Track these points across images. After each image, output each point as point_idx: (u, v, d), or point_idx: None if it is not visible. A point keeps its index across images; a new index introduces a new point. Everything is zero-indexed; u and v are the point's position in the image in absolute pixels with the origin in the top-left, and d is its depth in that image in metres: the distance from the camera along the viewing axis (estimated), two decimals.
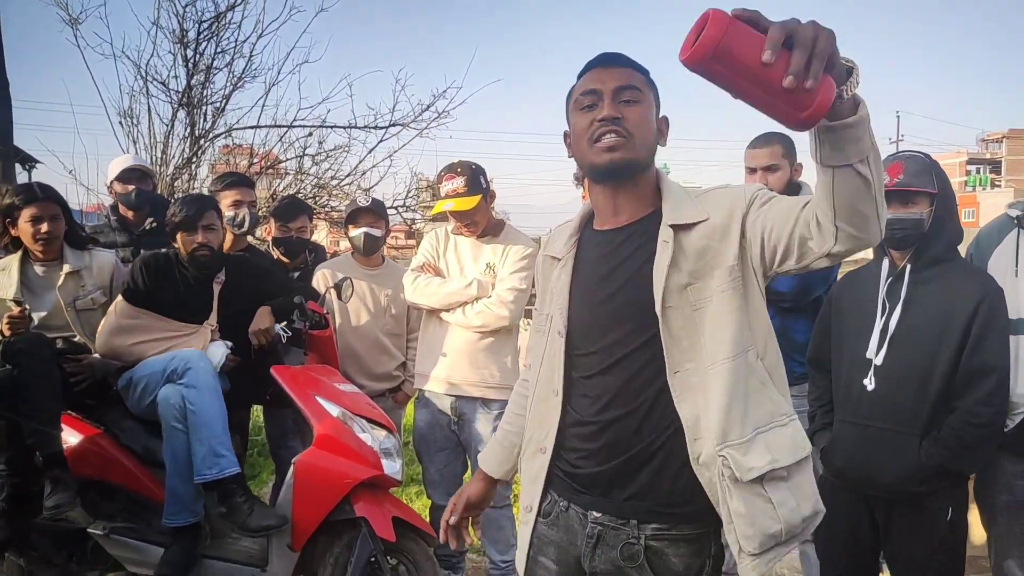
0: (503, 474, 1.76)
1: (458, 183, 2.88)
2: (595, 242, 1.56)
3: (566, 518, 1.53)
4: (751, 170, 2.88)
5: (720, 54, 0.96)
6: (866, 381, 2.13)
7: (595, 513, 1.48)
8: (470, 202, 2.86)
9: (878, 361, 2.12)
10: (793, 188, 2.88)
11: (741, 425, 1.38)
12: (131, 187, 3.48)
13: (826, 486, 2.27)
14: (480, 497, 1.75)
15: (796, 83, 0.95)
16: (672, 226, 1.44)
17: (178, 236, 2.87)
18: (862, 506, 2.16)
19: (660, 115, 1.52)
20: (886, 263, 2.19)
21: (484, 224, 2.95)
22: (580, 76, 1.51)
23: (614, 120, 1.41)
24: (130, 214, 3.54)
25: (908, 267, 2.13)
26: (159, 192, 4.62)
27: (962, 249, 2.24)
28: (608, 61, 1.49)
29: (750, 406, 1.39)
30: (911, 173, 2.10)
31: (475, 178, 2.89)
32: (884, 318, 2.14)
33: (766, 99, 1.00)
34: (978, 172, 55.32)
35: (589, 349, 1.50)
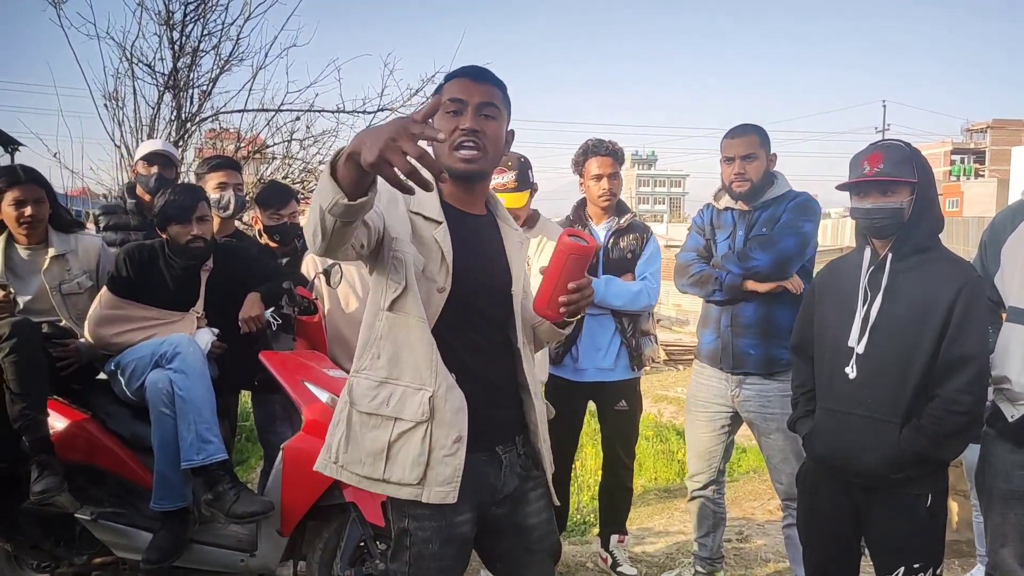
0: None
1: (508, 178, 2.80)
2: (464, 218, 1.72)
3: (471, 469, 1.64)
4: (729, 159, 2.86)
5: (578, 255, 1.61)
6: (848, 369, 2.15)
7: (499, 448, 1.74)
8: (521, 198, 2.80)
9: (860, 350, 2.14)
10: (768, 178, 2.88)
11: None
12: (154, 170, 3.45)
13: (808, 472, 2.33)
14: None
15: (564, 310, 1.64)
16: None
17: (170, 228, 2.84)
18: (843, 492, 2.20)
19: (509, 128, 1.75)
20: (868, 252, 2.21)
21: (524, 218, 2.92)
22: (448, 80, 1.67)
23: (474, 133, 1.62)
24: (147, 198, 3.48)
25: (889, 256, 2.15)
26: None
27: (954, 238, 2.24)
28: (477, 75, 1.66)
29: None
30: (891, 163, 2.09)
31: (524, 173, 2.83)
32: (865, 307, 2.16)
33: (547, 289, 1.64)
34: (963, 162, 55.61)
35: (478, 307, 1.70)
